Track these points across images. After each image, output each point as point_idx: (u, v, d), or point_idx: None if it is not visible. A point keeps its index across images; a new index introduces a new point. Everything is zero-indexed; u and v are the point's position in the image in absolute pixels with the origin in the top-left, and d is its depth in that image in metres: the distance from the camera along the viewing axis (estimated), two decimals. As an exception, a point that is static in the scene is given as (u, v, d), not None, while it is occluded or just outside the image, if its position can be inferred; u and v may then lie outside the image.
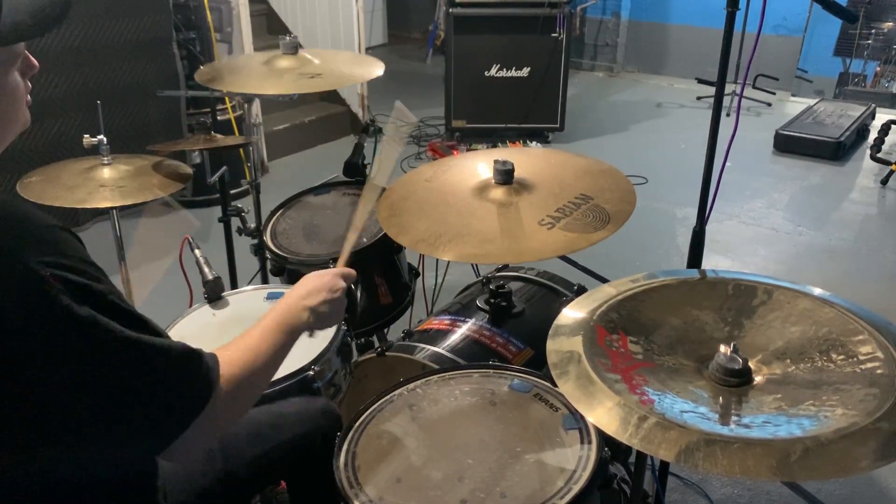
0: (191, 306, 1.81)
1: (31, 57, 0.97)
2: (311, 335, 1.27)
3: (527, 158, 1.74)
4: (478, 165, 1.74)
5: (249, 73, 2.23)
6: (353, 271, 1.33)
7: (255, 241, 2.32)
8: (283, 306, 1.18)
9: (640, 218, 1.58)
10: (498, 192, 1.61)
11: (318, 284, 1.24)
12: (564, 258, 1.76)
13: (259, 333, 1.12)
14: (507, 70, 4.77)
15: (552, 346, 1.23)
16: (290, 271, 2.10)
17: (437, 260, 2.59)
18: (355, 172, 2.34)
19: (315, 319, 1.21)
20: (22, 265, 0.82)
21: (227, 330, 1.69)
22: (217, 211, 2.47)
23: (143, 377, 0.89)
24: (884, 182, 4.31)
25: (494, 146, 4.75)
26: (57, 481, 0.93)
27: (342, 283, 1.28)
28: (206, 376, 0.96)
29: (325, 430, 1.37)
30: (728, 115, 5.15)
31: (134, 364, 0.88)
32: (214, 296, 1.81)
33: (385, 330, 2.23)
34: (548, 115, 4.88)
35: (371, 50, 7.01)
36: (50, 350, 0.83)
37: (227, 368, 1.00)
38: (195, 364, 0.96)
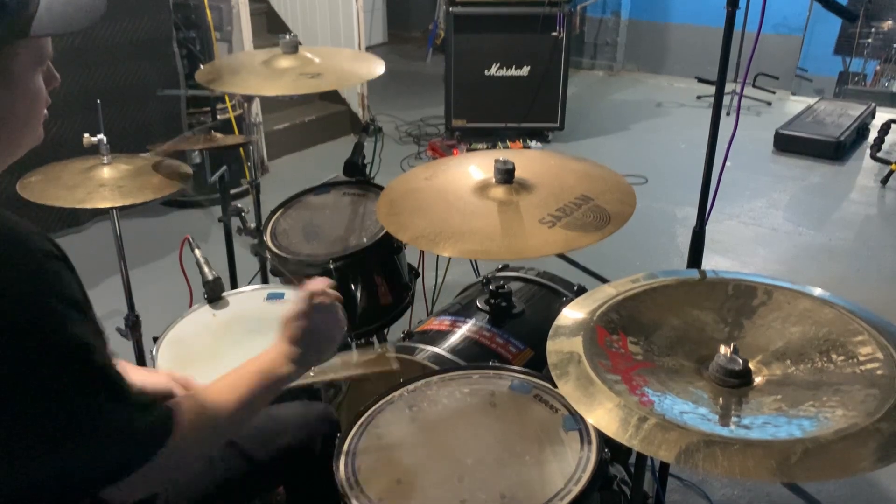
0: (191, 306, 1.81)
1: (54, 69, 0.96)
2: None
3: (526, 160, 1.74)
4: (477, 165, 1.74)
5: (249, 73, 2.22)
6: (319, 288, 1.17)
7: (255, 241, 2.32)
8: (267, 357, 1.12)
9: (640, 218, 1.58)
10: (498, 192, 1.61)
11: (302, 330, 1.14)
12: (564, 258, 1.76)
13: (234, 382, 1.07)
14: (507, 69, 4.77)
15: (552, 346, 1.23)
16: (290, 272, 2.10)
17: (437, 260, 2.59)
18: (355, 172, 2.34)
19: (305, 362, 1.14)
20: (4, 296, 0.82)
21: (228, 330, 1.69)
22: (217, 211, 2.47)
23: (89, 430, 0.89)
24: (884, 182, 4.31)
25: (494, 146, 4.75)
26: (52, 484, 0.93)
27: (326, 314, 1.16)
28: (151, 434, 0.94)
29: (324, 435, 1.37)
30: (728, 114, 5.15)
31: (80, 416, 0.88)
32: (214, 296, 1.81)
33: (385, 330, 2.23)
34: (548, 114, 4.87)
35: (371, 49, 7.00)
36: (11, 378, 0.83)
37: (183, 424, 0.97)
38: (140, 424, 0.93)
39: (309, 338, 1.13)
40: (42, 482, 0.89)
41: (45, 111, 0.97)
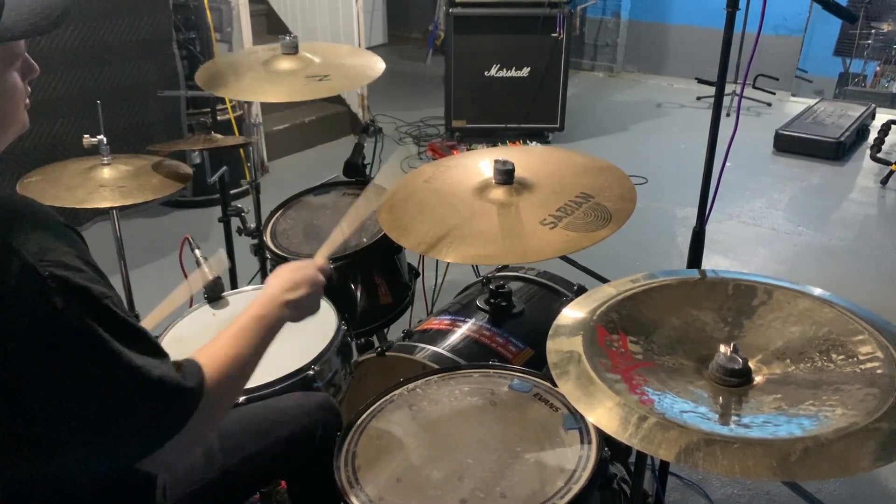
0: (191, 306, 1.81)
1: (31, 59, 0.97)
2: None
3: (526, 157, 1.74)
4: (477, 165, 1.74)
5: (252, 78, 2.21)
6: (330, 267, 1.33)
7: (255, 241, 2.32)
8: (263, 300, 1.17)
9: (640, 218, 1.58)
10: (498, 193, 1.61)
11: (299, 277, 1.23)
12: (565, 258, 1.76)
13: (239, 332, 1.10)
14: (507, 70, 4.77)
15: (552, 346, 1.23)
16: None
17: (437, 260, 2.59)
18: (355, 172, 2.34)
19: (294, 313, 1.20)
20: (20, 260, 0.82)
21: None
22: (217, 211, 2.47)
23: (126, 393, 0.88)
24: (884, 182, 4.31)
25: (494, 146, 4.75)
26: (55, 478, 0.92)
27: (321, 279, 1.27)
28: (188, 394, 0.95)
29: (324, 424, 1.37)
30: (728, 115, 5.15)
31: (117, 379, 0.87)
32: (214, 296, 1.81)
33: (385, 330, 2.23)
34: (548, 115, 4.88)
35: (371, 50, 6.99)
36: (38, 350, 0.83)
37: (209, 374, 0.99)
38: (176, 385, 0.93)
39: (303, 301, 1.22)
40: (88, 454, 0.89)
41: (28, 101, 0.98)
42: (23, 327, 0.82)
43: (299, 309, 1.21)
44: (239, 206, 2.39)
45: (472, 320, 1.92)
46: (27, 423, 0.85)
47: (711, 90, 4.00)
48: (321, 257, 1.35)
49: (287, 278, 1.22)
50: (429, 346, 1.79)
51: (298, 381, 1.53)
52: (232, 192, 2.76)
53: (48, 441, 0.87)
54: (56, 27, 0.93)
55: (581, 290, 2.02)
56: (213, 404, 0.99)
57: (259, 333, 1.12)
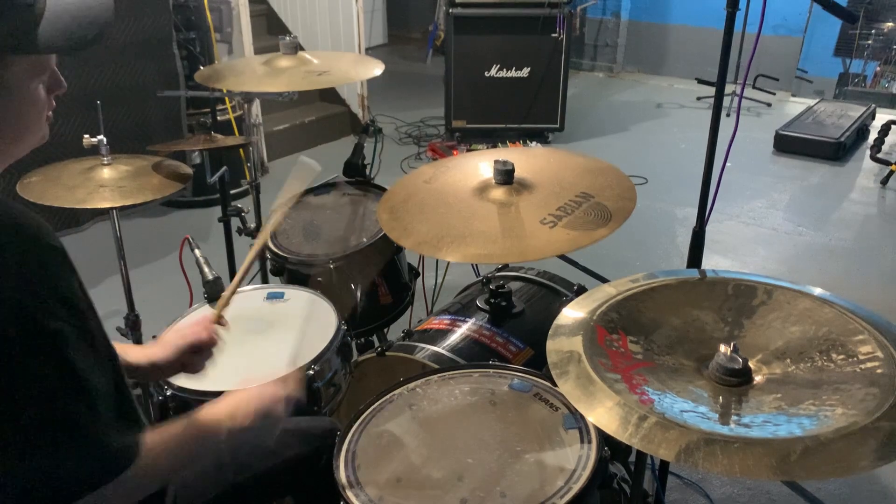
0: (191, 306, 1.81)
1: (59, 75, 0.96)
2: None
3: (526, 158, 1.74)
4: (477, 166, 1.74)
5: (251, 74, 2.23)
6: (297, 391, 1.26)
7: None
8: (239, 406, 1.14)
9: (640, 218, 1.58)
10: (498, 192, 1.61)
11: (276, 412, 1.18)
12: (564, 258, 1.76)
13: (203, 423, 1.08)
14: (507, 70, 4.77)
15: (552, 345, 1.23)
16: (290, 271, 2.11)
17: (437, 260, 2.59)
18: (355, 172, 2.35)
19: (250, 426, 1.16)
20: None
21: (227, 329, 1.68)
22: (217, 211, 2.47)
23: (56, 436, 0.88)
24: (884, 182, 4.31)
25: (494, 146, 4.76)
26: (62, 487, 0.92)
27: (282, 416, 1.21)
28: (116, 455, 0.93)
29: (329, 448, 1.38)
30: (728, 115, 5.15)
31: (47, 426, 0.88)
32: (214, 296, 1.81)
33: (385, 330, 2.24)
34: (548, 115, 4.88)
35: (371, 50, 7.01)
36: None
37: (150, 447, 0.97)
38: (110, 441, 0.92)
39: (271, 417, 1.18)
40: (8, 484, 0.89)
41: (50, 114, 0.97)
42: None
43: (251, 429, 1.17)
44: (239, 206, 2.39)
45: (472, 320, 1.92)
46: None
47: (711, 90, 4.01)
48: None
49: (266, 408, 1.17)
50: (429, 346, 1.79)
51: (298, 380, 1.52)
52: (232, 192, 2.76)
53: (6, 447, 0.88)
54: (91, 46, 0.92)
55: (581, 290, 2.02)
56: (150, 470, 0.97)
57: (219, 431, 1.10)
